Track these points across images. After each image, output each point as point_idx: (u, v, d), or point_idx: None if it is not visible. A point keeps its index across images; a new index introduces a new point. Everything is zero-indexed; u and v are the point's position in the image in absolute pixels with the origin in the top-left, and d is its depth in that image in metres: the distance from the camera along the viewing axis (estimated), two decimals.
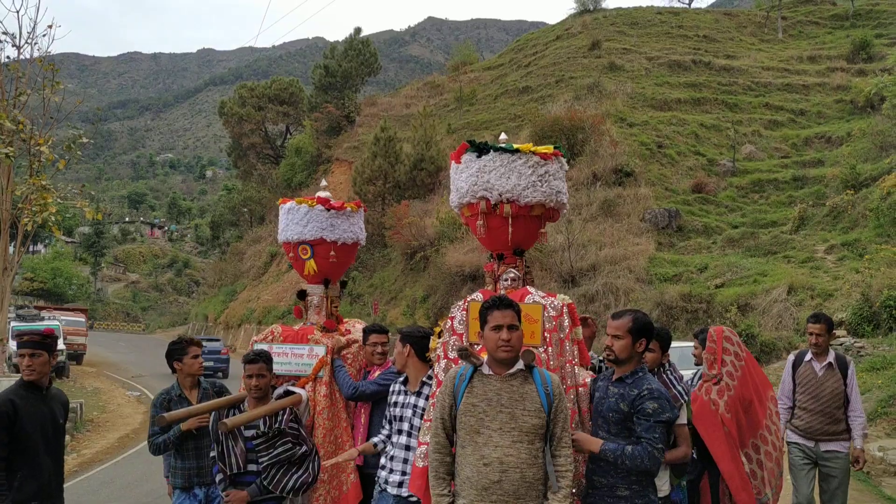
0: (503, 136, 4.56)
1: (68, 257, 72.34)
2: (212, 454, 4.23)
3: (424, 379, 4.24)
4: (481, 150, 4.19)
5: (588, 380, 3.91)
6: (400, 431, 4.18)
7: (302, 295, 5.21)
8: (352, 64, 49.16)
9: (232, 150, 59.81)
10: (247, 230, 56.06)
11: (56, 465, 4.19)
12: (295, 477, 4.19)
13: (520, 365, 3.25)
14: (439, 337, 4.25)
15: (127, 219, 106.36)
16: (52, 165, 17.35)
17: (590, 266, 20.85)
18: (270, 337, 4.93)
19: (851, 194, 20.73)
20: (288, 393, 4.41)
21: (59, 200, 17.90)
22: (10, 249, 18.21)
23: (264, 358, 4.24)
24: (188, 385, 4.77)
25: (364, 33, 53.15)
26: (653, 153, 27.55)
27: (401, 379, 4.36)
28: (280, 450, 4.15)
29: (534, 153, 4.17)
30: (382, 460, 4.26)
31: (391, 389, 4.36)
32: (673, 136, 29.08)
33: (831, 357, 5.35)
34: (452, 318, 4.12)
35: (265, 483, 4.13)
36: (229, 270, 51.45)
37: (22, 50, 17.99)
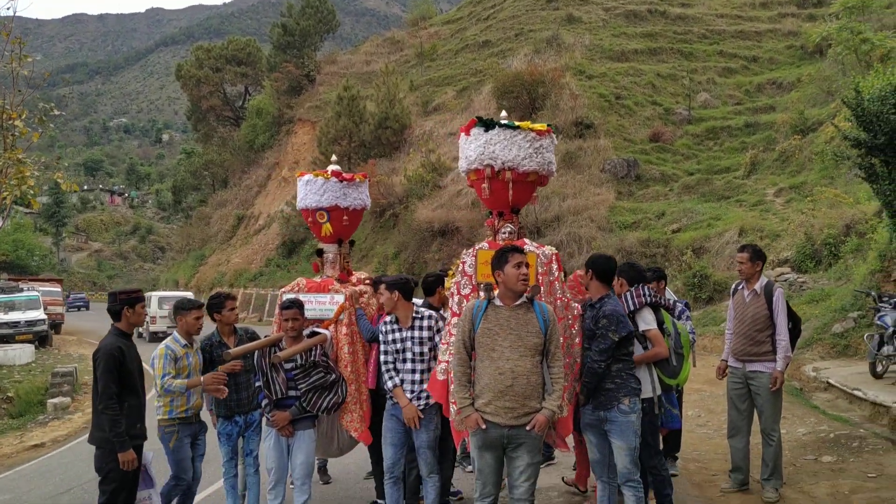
0: (504, 113, 5.43)
1: (29, 228, 71.19)
2: (257, 384, 5.22)
3: (414, 315, 5.16)
4: (488, 125, 5.06)
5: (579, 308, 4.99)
6: (404, 360, 5.11)
7: (319, 253, 6.18)
8: (309, 22, 48.74)
9: (191, 113, 59.02)
10: (210, 194, 55.82)
11: (144, 398, 4.94)
12: (327, 399, 5.23)
13: (524, 297, 4.16)
14: (452, 278, 5.18)
15: (86, 187, 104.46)
16: (26, 139, 17.55)
17: (554, 217, 21.73)
18: (296, 288, 5.84)
19: (799, 139, 21.79)
20: (315, 333, 5.34)
21: (35, 173, 18.17)
22: None
23: (298, 305, 5.22)
24: (226, 332, 5.59)
25: None
26: (611, 105, 28.33)
27: (389, 319, 5.23)
28: (315, 378, 5.17)
29: (531, 130, 5.06)
30: (397, 381, 5.13)
31: (384, 331, 5.21)
32: (630, 87, 29.86)
33: (759, 285, 5.77)
34: (463, 263, 5.04)
35: (303, 405, 5.16)
36: (196, 235, 51.40)
37: None
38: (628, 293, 5.15)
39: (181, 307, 5.43)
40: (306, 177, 6.09)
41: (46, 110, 18.50)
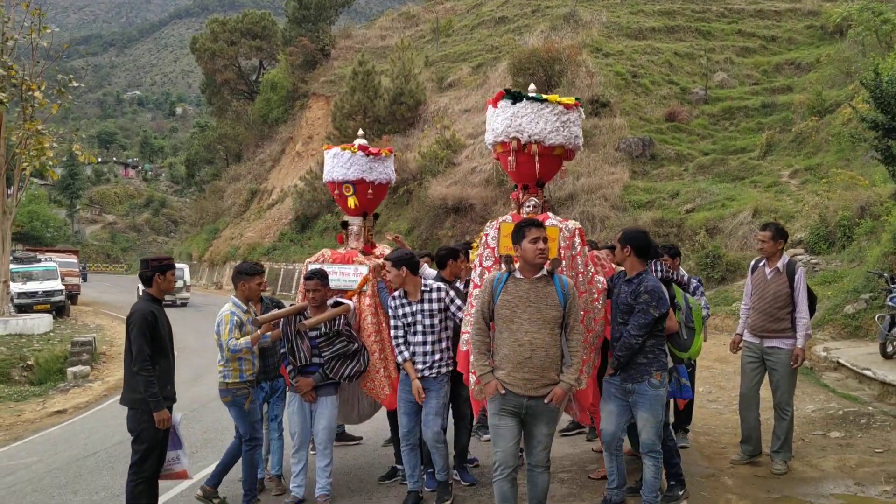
0: (532, 86, 5.42)
1: (43, 200, 71.68)
2: (282, 350, 5.39)
3: (423, 289, 5.26)
4: (515, 98, 5.04)
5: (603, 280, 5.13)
6: (415, 333, 5.22)
7: (344, 225, 6.30)
8: None
9: (205, 86, 59.07)
10: (223, 168, 56.00)
11: (173, 360, 5.11)
12: (350, 367, 5.39)
13: (544, 271, 4.24)
14: (476, 250, 5.28)
15: (100, 159, 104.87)
16: (46, 110, 17.74)
17: (567, 195, 21.74)
18: (321, 259, 5.96)
19: (816, 120, 21.65)
20: (338, 303, 5.48)
21: (54, 145, 18.35)
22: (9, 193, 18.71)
23: (320, 275, 5.38)
24: (253, 301, 5.71)
25: None
26: (627, 83, 28.16)
27: (397, 294, 5.31)
28: (338, 346, 5.34)
29: (559, 103, 5.05)
30: (407, 355, 5.25)
31: (393, 306, 5.29)
32: (647, 66, 29.63)
33: (781, 263, 5.81)
34: (486, 235, 5.09)
35: (327, 372, 5.33)
36: (210, 209, 51.65)
37: None
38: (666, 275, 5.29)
39: (245, 272, 5.53)
40: (333, 150, 6.20)
41: (65, 82, 18.70)
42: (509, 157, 5.08)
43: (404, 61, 33.41)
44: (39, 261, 25.91)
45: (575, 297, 4.28)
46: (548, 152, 5.07)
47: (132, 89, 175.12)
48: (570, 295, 4.23)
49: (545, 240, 4.20)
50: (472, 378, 4.68)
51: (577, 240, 5.03)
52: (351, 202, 6.15)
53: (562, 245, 4.88)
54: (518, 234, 4.23)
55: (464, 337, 5.03)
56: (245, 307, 5.49)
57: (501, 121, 5.06)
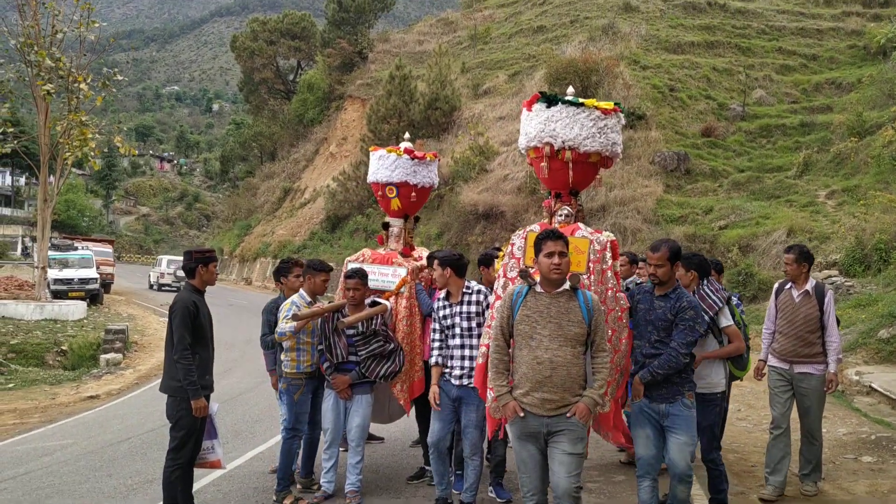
0: (570, 89, 5.21)
1: (80, 189, 73.05)
2: (319, 347, 5.47)
3: (464, 290, 5.21)
4: (551, 101, 4.85)
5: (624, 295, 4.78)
6: (454, 336, 5.17)
7: (385, 226, 6.39)
8: None
9: (243, 84, 59.84)
10: (257, 165, 56.67)
11: (213, 351, 5.22)
12: (385, 366, 5.45)
13: (566, 285, 4.00)
14: (503, 260, 5.10)
15: (137, 152, 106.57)
16: (90, 102, 18.14)
17: (600, 206, 21.69)
18: (361, 259, 6.05)
19: (856, 141, 21.35)
20: (376, 303, 5.55)
21: (97, 136, 18.76)
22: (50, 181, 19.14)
23: (360, 275, 5.46)
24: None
25: None
26: (664, 96, 28.02)
27: (441, 295, 5.32)
28: (374, 346, 5.40)
29: (596, 108, 4.82)
30: (439, 359, 5.21)
31: (437, 307, 5.30)
32: (685, 80, 29.47)
33: (809, 286, 5.66)
34: (512, 245, 4.90)
35: (362, 371, 5.40)
36: (243, 205, 52.27)
37: None
38: (708, 288, 5.06)
39: (313, 268, 5.68)
40: (380, 152, 6.28)
41: (110, 75, 19.11)
42: (542, 163, 4.89)
43: (441, 67, 33.58)
44: (76, 249, 26.44)
45: (601, 314, 4.02)
46: (583, 159, 4.86)
47: (171, 84, 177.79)
48: (594, 311, 3.97)
49: (562, 254, 3.93)
50: (490, 395, 4.34)
51: (608, 253, 4.76)
52: (394, 204, 6.22)
53: (591, 258, 4.65)
54: (536, 246, 4.03)
55: (481, 349, 4.82)
56: (309, 299, 5.62)
57: (535, 125, 4.89)
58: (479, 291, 5.22)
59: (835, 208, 18.61)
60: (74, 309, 18.80)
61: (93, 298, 22.72)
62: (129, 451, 7.58)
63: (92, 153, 18.33)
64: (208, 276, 5.14)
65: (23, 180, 70.74)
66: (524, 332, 3.95)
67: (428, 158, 6.35)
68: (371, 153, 6.38)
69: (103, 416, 9.96)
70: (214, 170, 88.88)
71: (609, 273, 4.72)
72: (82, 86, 18.04)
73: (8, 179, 70.69)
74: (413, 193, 6.22)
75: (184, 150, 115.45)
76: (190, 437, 4.93)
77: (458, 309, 5.17)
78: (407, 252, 6.24)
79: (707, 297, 5.00)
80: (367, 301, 5.56)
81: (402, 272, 5.86)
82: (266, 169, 52.96)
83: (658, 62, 30.46)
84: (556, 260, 3.91)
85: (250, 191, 52.87)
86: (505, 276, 4.91)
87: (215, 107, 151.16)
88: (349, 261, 6.11)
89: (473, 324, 5.13)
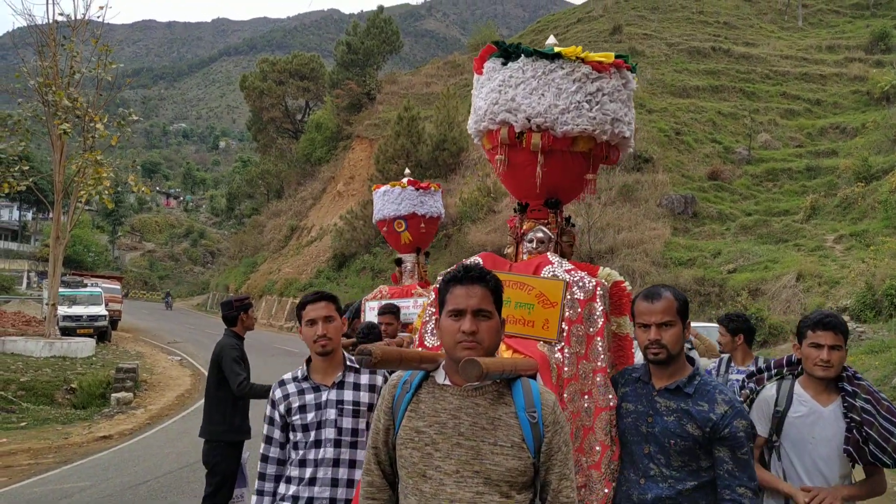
0: (552, 38, 3.41)
1: (87, 225, 73.42)
2: None
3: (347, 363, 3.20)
4: (509, 54, 3.09)
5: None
6: (319, 444, 3.12)
7: (398, 262, 6.49)
8: (374, 42, 49.86)
9: (251, 123, 60.72)
10: (264, 203, 57.14)
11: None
12: None
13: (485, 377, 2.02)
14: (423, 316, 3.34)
15: (150, 191, 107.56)
16: (106, 141, 18.42)
17: (608, 249, 21.81)
18: (379, 295, 6.14)
19: (862, 186, 21.54)
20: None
21: (111, 175, 19.00)
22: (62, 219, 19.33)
23: (393, 311, 5.64)
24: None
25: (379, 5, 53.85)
26: (671, 140, 28.36)
27: (299, 373, 3.22)
28: None
29: (582, 61, 3.02)
30: None
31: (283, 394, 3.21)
32: (691, 124, 29.86)
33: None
34: (437, 291, 2.32)
35: None
36: (249, 242, 52.58)
37: (76, 30, 18.89)
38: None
39: (387, 311, 5.75)
40: (383, 188, 6.39)
41: (125, 115, 19.43)
42: (497, 156, 3.16)
43: (448, 109, 34.10)
44: (85, 285, 26.54)
45: (560, 430, 2.10)
46: (561, 146, 3.01)
47: (178, 121, 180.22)
48: (547, 425, 2.08)
49: (480, 313, 2.07)
50: None
51: (600, 305, 2.87)
52: (404, 238, 6.29)
53: (566, 315, 2.80)
54: (440, 296, 2.18)
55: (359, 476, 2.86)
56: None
57: (486, 94, 3.16)
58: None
59: (843, 253, 18.70)
60: (83, 346, 18.78)
61: (101, 335, 22.73)
62: (148, 493, 7.57)
63: (106, 192, 18.53)
64: (249, 321, 5.30)
65: (30, 215, 71.26)
66: (412, 462, 2.07)
67: (432, 188, 6.45)
68: (374, 192, 6.48)
69: (118, 457, 9.93)
70: (220, 207, 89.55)
71: (599, 342, 2.81)
72: (98, 125, 18.31)
73: (15, 214, 71.22)
74: (422, 224, 6.30)
75: (190, 186, 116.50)
76: (224, 483, 4.99)
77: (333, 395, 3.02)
78: (424, 286, 6.33)
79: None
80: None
81: (423, 301, 5.94)
82: (273, 207, 53.39)
83: (664, 106, 30.88)
84: (466, 325, 2.06)
85: (256, 228, 53.23)
86: (421, 343, 3.14)
87: (222, 144, 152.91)
88: (366, 299, 6.21)
89: (361, 424, 3.04)
